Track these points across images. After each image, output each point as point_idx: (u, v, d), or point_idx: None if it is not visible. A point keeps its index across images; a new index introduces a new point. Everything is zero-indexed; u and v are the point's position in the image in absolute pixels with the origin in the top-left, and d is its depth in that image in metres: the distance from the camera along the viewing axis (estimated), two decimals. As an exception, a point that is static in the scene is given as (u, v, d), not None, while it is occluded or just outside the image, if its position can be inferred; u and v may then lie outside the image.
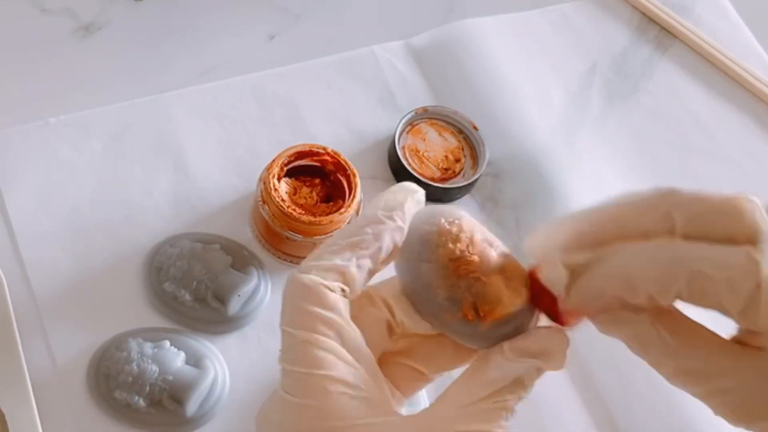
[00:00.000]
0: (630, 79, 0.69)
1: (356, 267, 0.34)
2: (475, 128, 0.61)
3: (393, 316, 0.36)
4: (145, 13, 0.66)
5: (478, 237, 0.35)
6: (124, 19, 0.65)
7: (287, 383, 0.33)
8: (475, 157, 0.61)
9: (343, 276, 0.34)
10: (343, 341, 0.33)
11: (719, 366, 0.31)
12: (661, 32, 0.72)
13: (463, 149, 0.62)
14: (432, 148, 0.61)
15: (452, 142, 0.62)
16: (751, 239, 0.29)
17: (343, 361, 0.33)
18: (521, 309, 0.35)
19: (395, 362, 0.37)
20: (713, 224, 0.30)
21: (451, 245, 0.35)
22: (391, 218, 0.35)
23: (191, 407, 0.49)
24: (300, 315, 0.33)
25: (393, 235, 0.35)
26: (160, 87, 0.62)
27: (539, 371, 0.35)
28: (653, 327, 0.32)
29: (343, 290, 0.34)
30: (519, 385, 0.34)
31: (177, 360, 0.50)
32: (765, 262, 0.29)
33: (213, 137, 0.60)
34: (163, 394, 0.49)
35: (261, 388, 0.52)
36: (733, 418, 0.31)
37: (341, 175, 0.54)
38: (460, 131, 0.62)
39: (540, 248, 0.34)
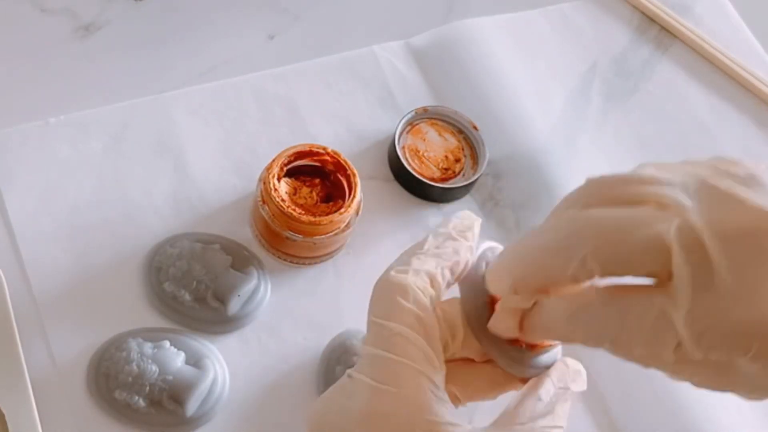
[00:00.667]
0: (630, 79, 0.69)
1: (441, 276, 0.37)
2: (475, 128, 0.61)
3: (451, 336, 0.38)
4: (145, 13, 0.66)
5: None
6: (124, 19, 0.65)
7: (374, 370, 0.35)
8: (475, 157, 0.61)
9: (432, 281, 0.37)
10: (430, 342, 0.35)
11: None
12: (661, 32, 0.72)
13: (463, 149, 0.62)
14: (432, 148, 0.61)
15: (452, 142, 0.62)
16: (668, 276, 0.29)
17: (429, 360, 0.35)
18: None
19: None
20: (625, 266, 0.30)
21: None
22: (465, 237, 0.39)
23: (191, 407, 0.49)
24: (395, 309, 0.36)
25: (466, 253, 0.39)
26: (160, 87, 0.62)
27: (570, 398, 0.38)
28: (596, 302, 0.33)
29: (430, 296, 0.37)
30: (552, 415, 0.37)
31: (177, 360, 0.50)
32: (679, 316, 0.29)
33: (213, 137, 0.60)
34: (162, 394, 0.49)
35: (261, 388, 0.52)
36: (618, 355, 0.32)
37: (341, 175, 0.54)
38: (460, 131, 0.62)
39: (494, 287, 0.36)
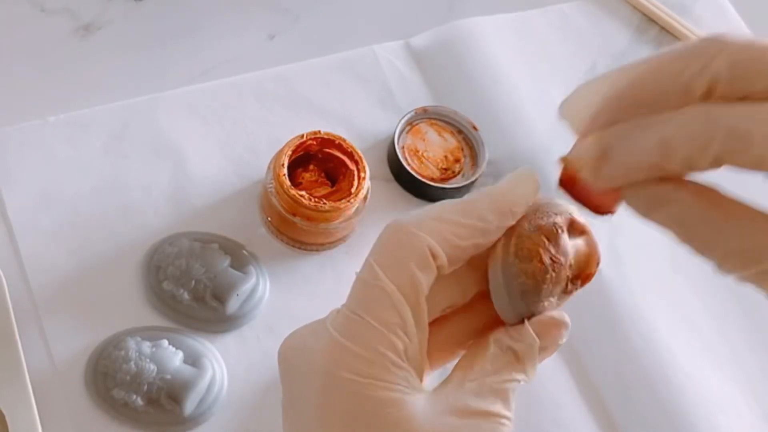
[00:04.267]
0: (630, 80, 0.69)
1: (463, 251, 0.33)
2: (475, 128, 0.61)
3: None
4: (145, 13, 0.66)
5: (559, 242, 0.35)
6: (124, 19, 0.65)
7: (344, 326, 0.32)
8: (474, 157, 0.61)
9: (452, 250, 0.33)
10: (414, 311, 0.32)
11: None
12: (661, 32, 0.72)
13: (462, 149, 0.62)
14: (431, 148, 0.61)
15: (452, 142, 0.62)
16: None
17: (405, 329, 0.32)
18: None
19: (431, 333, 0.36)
20: (757, 73, 0.27)
21: (539, 265, 0.34)
22: (515, 216, 0.34)
23: (189, 406, 0.49)
24: (392, 262, 0.32)
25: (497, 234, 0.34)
26: (160, 86, 0.62)
27: (543, 352, 0.34)
28: (697, 204, 0.30)
29: (440, 266, 0.33)
30: (524, 363, 0.34)
31: (175, 359, 0.50)
32: None
33: (212, 136, 0.60)
34: (161, 393, 0.49)
35: (259, 387, 0.52)
36: None
37: (350, 161, 0.55)
38: (460, 131, 0.62)
39: (573, 114, 0.32)
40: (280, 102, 0.63)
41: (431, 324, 0.35)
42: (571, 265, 0.35)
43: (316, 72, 0.64)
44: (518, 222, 0.34)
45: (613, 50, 0.70)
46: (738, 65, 0.28)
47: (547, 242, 0.34)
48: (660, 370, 0.55)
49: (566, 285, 0.35)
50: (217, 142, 0.60)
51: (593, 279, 0.36)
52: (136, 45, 0.64)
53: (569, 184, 0.33)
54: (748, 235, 0.29)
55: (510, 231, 0.34)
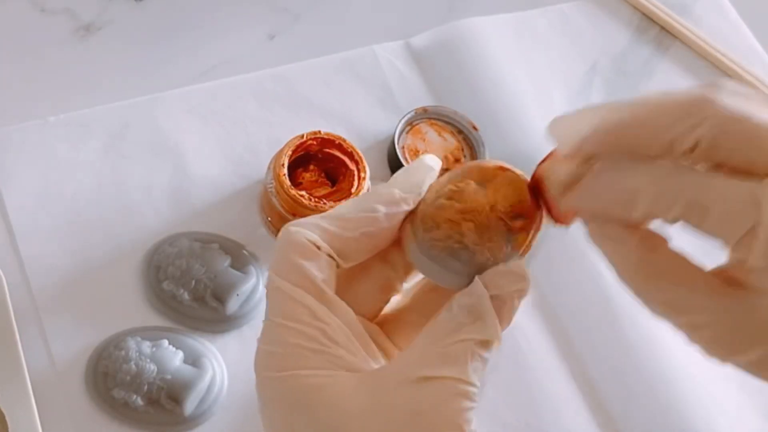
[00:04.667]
0: (630, 79, 0.69)
1: (355, 241, 0.34)
2: (475, 128, 0.61)
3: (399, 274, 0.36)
4: (145, 13, 0.66)
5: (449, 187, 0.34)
6: (124, 19, 0.65)
7: (263, 333, 0.34)
8: (474, 157, 0.61)
9: (341, 241, 0.34)
10: (319, 297, 0.33)
11: (698, 301, 0.30)
12: (661, 32, 0.72)
13: (462, 149, 0.62)
14: (431, 149, 0.61)
15: (452, 142, 0.62)
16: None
17: (316, 316, 0.33)
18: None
19: (399, 320, 0.37)
20: (736, 149, 0.28)
21: (446, 223, 0.34)
22: (406, 202, 0.35)
23: (189, 406, 0.49)
24: (281, 262, 0.34)
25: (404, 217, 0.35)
26: (160, 86, 0.62)
27: (498, 301, 0.33)
28: (639, 249, 0.31)
29: (331, 255, 0.34)
30: (477, 321, 0.32)
31: (175, 359, 0.50)
32: None
33: (212, 136, 0.60)
34: (161, 393, 0.49)
35: (259, 387, 0.52)
36: (708, 351, 0.30)
37: (350, 161, 0.55)
38: (460, 131, 0.62)
39: (560, 134, 0.33)
40: (280, 102, 0.63)
41: (402, 311, 0.36)
42: (494, 206, 0.34)
43: (316, 72, 0.64)
44: (421, 201, 0.35)
45: (613, 50, 0.70)
46: (722, 137, 0.28)
47: (447, 202, 0.34)
48: (660, 370, 0.55)
49: (506, 226, 0.34)
50: (217, 143, 0.60)
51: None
52: (135, 45, 0.64)
53: (536, 189, 0.34)
54: (678, 290, 0.30)
55: (413, 212, 0.35)
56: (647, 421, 0.54)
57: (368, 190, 0.55)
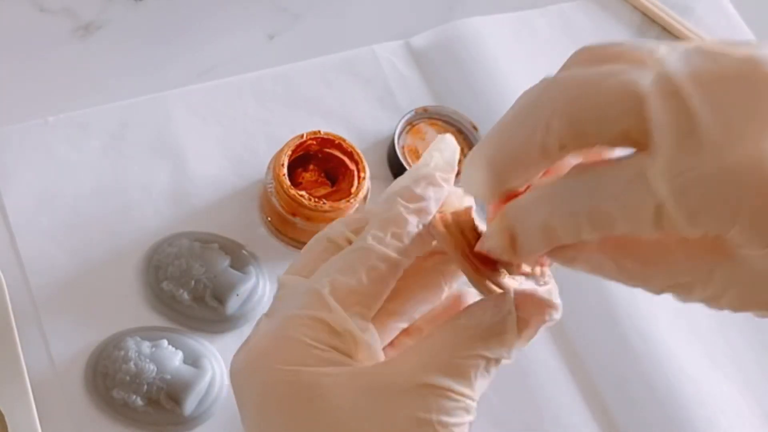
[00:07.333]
0: (630, 80, 0.69)
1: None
2: (475, 128, 0.61)
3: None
4: (145, 12, 0.66)
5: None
6: (124, 18, 0.65)
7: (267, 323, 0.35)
8: (474, 157, 0.61)
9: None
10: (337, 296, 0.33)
11: (694, 276, 0.28)
12: (661, 32, 0.72)
13: (463, 149, 0.62)
14: (431, 148, 0.61)
15: (452, 142, 0.62)
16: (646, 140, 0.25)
17: (322, 314, 0.32)
18: None
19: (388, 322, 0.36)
20: (593, 124, 0.26)
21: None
22: (446, 181, 0.36)
23: (189, 406, 0.49)
24: (307, 261, 0.34)
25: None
26: (160, 86, 0.62)
27: (523, 323, 0.33)
28: (608, 259, 0.30)
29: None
30: (495, 338, 0.32)
31: (175, 359, 0.50)
32: (657, 171, 0.25)
33: (212, 136, 0.60)
34: (160, 393, 0.49)
35: (259, 387, 0.52)
36: (735, 310, 0.28)
37: (349, 161, 0.55)
38: (460, 131, 0.62)
39: (474, 186, 0.32)
40: (280, 102, 0.63)
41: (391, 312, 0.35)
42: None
43: (316, 72, 0.64)
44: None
45: (613, 50, 0.70)
46: (574, 122, 0.27)
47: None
48: (660, 370, 0.55)
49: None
50: (217, 142, 0.60)
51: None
52: (135, 45, 0.64)
53: (489, 261, 0.33)
54: (669, 274, 0.29)
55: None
56: (647, 421, 0.54)
57: (368, 190, 0.55)
